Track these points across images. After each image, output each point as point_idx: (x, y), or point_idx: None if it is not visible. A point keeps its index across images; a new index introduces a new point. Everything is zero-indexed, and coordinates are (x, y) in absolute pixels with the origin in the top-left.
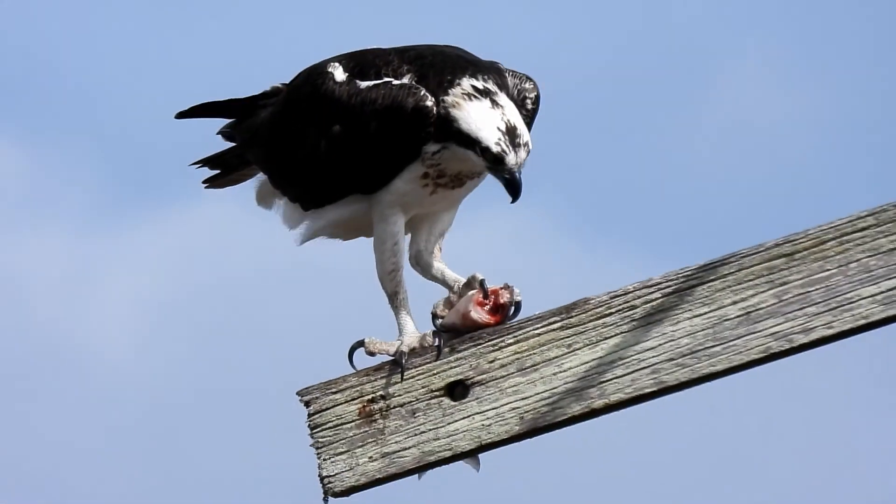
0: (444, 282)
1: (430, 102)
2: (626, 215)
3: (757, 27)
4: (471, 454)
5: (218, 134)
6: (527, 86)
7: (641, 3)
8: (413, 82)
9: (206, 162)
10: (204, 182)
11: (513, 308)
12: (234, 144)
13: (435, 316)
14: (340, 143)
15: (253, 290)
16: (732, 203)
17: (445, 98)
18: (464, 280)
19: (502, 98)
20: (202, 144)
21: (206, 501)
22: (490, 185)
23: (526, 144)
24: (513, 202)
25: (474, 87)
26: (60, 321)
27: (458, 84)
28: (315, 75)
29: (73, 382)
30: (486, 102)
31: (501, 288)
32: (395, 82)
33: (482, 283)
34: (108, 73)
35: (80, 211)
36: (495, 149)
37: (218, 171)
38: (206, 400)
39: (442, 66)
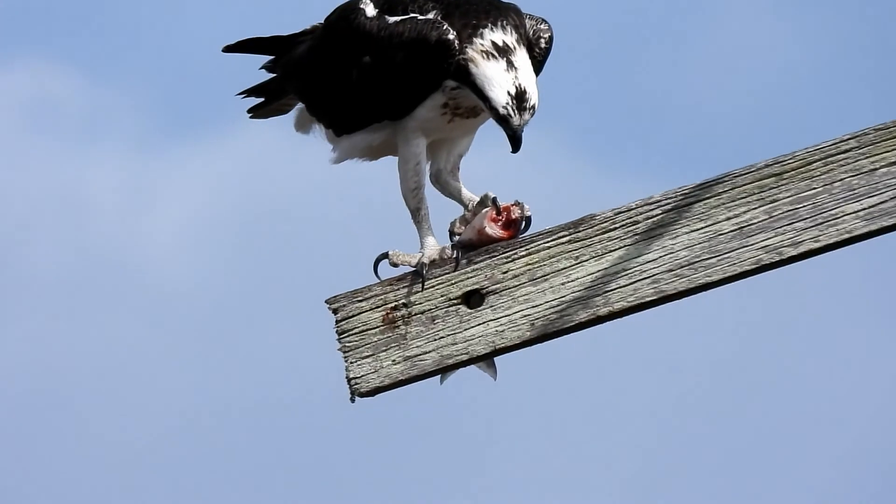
0: (460, 200)
1: (451, 36)
2: (630, 140)
3: None
4: (485, 358)
5: (261, 69)
6: (542, 27)
7: None
8: (439, 18)
9: (251, 92)
10: (249, 111)
11: (524, 223)
12: (275, 76)
13: (452, 233)
14: (369, 73)
15: (291, 210)
16: (726, 127)
17: (466, 49)
18: (477, 198)
19: (519, 56)
20: (248, 76)
21: (247, 399)
22: None
23: (532, 108)
24: (513, 153)
25: (493, 44)
26: (116, 233)
27: (480, 35)
28: (348, 10)
29: (128, 290)
30: (502, 63)
31: (513, 205)
32: (420, 17)
33: (494, 200)
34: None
35: (135, 133)
36: (502, 111)
37: (262, 100)
38: (248, 309)
39: (466, 8)
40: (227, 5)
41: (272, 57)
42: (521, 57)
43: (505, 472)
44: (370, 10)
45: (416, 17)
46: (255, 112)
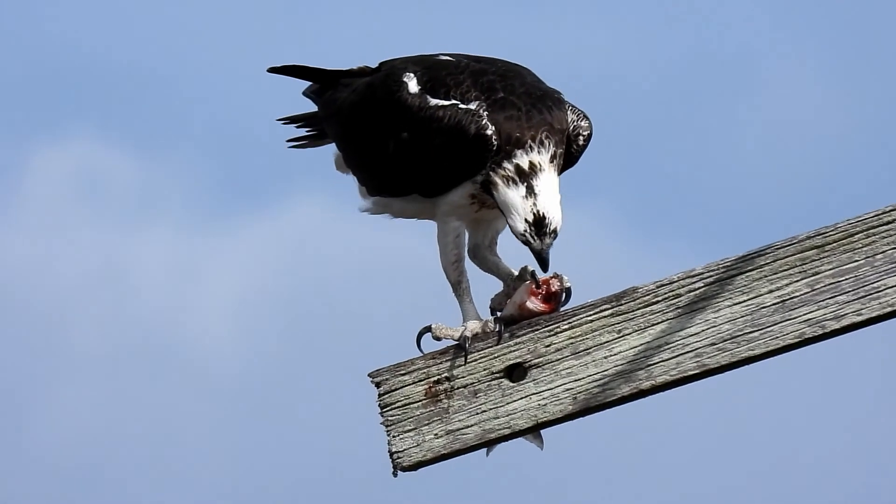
0: (498, 274)
1: (490, 131)
2: (672, 211)
3: (797, 31)
4: (528, 432)
5: (303, 94)
6: (582, 123)
7: (688, 7)
8: (481, 111)
9: (293, 120)
10: (288, 141)
11: (564, 295)
12: (315, 108)
13: (493, 310)
14: (406, 150)
15: (336, 285)
16: (769, 198)
17: (494, 167)
18: (516, 273)
19: (542, 179)
20: (292, 105)
21: (292, 476)
22: None
23: (553, 232)
24: (543, 272)
25: (518, 168)
26: (163, 310)
27: (510, 158)
28: (391, 80)
29: (174, 367)
30: (522, 189)
31: (552, 277)
32: (462, 106)
33: (533, 273)
34: (210, 82)
35: (183, 211)
36: (520, 238)
37: (302, 138)
38: (294, 385)
39: (509, 104)
40: (274, 83)
41: (316, 85)
42: (546, 179)
43: None
44: (413, 86)
45: (457, 104)
46: (295, 142)
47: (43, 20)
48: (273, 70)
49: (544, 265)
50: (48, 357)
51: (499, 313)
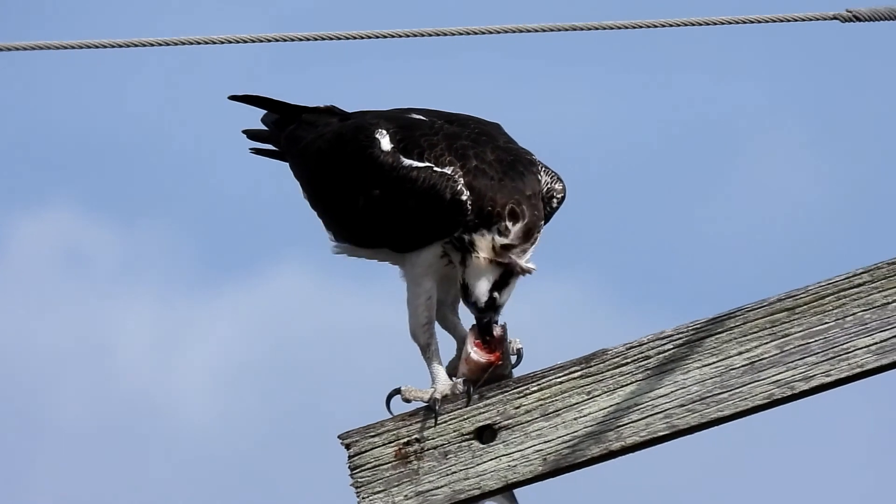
0: (454, 335)
1: (465, 196)
2: (642, 274)
3: (776, 111)
4: (499, 493)
5: (261, 121)
6: (556, 186)
7: (673, 85)
8: (455, 175)
9: (255, 136)
10: (251, 149)
11: (514, 357)
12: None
13: (449, 376)
14: (377, 207)
15: (313, 351)
16: (739, 262)
17: (472, 257)
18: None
19: (514, 255)
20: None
21: None
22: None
23: (500, 307)
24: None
25: (503, 247)
26: (144, 379)
27: (493, 226)
28: (363, 135)
29: (156, 434)
30: (496, 273)
31: (498, 325)
32: (436, 169)
33: (473, 326)
34: (190, 154)
35: (164, 280)
36: (472, 309)
37: (268, 147)
38: (273, 450)
39: (486, 180)
40: (257, 159)
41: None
42: (516, 261)
43: None
44: (385, 143)
45: (431, 167)
46: (257, 152)
47: (23, 94)
48: (234, 98)
49: (485, 331)
50: (31, 429)
51: (453, 378)
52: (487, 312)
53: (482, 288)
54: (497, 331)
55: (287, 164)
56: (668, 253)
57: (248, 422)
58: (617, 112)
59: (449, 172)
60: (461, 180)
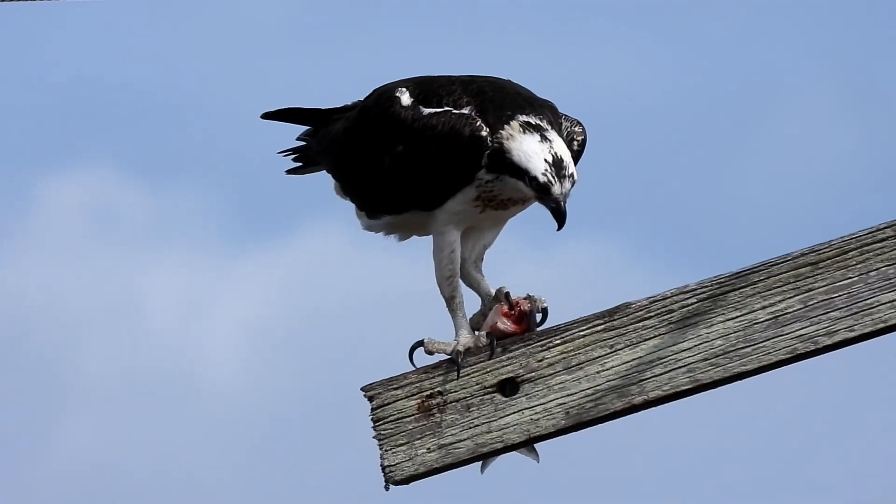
0: (478, 292)
1: (484, 133)
2: (667, 228)
3: (810, 69)
4: (521, 446)
5: (298, 139)
6: (576, 129)
7: (704, 42)
8: (473, 114)
9: (292, 151)
10: (287, 171)
11: (539, 315)
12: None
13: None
14: (402, 163)
15: (347, 313)
16: (764, 216)
17: (501, 132)
18: (493, 293)
19: (552, 133)
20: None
21: (297, 496)
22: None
23: (571, 176)
24: (559, 230)
25: (528, 123)
26: (173, 339)
27: (514, 118)
28: (384, 97)
29: (187, 399)
30: (536, 136)
31: (523, 298)
32: (455, 111)
33: (507, 295)
34: (222, 113)
35: (194, 241)
36: (542, 179)
37: (299, 165)
38: (302, 412)
39: (501, 102)
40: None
41: (309, 128)
42: (555, 134)
43: None
44: (405, 99)
45: (450, 110)
46: (294, 171)
47: (57, 52)
48: (266, 116)
49: (561, 218)
50: (61, 388)
51: (476, 332)
52: (561, 182)
53: (535, 159)
54: (525, 305)
55: (323, 170)
56: (684, 206)
57: (278, 382)
58: (651, 69)
59: (466, 112)
60: (479, 118)
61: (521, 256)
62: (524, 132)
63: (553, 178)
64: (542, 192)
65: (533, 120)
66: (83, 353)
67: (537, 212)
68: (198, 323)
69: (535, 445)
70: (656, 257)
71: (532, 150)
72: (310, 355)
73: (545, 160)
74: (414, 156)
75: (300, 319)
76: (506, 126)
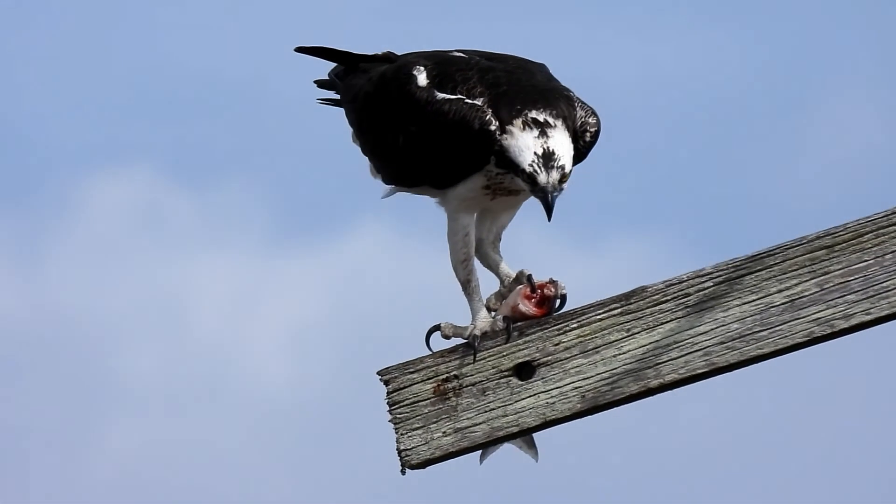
0: (497, 273)
1: (493, 127)
2: (683, 212)
3: (856, 65)
4: (537, 430)
5: (328, 75)
6: (590, 120)
7: (749, 37)
8: (485, 107)
9: (331, 101)
10: (318, 99)
11: (558, 301)
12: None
13: (488, 309)
14: (414, 143)
15: (393, 314)
16: (781, 199)
17: (508, 127)
18: (513, 275)
19: (554, 129)
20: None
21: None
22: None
23: (560, 167)
24: (549, 221)
25: (533, 119)
26: (218, 339)
27: (521, 115)
28: (401, 73)
29: (232, 402)
30: (535, 132)
31: (547, 282)
32: (467, 101)
33: (529, 277)
34: (270, 114)
35: (243, 243)
36: (528, 170)
37: (335, 97)
38: (347, 411)
39: (514, 95)
40: (332, 115)
41: (341, 67)
42: (559, 133)
43: None
44: (422, 79)
45: (462, 98)
46: (325, 102)
47: (107, 53)
48: (300, 49)
49: (548, 210)
50: (106, 389)
51: (493, 314)
52: (548, 172)
53: (525, 153)
54: (549, 290)
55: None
56: (702, 190)
57: (324, 385)
58: (695, 58)
59: (479, 104)
60: (489, 110)
61: (565, 254)
62: (524, 129)
63: (539, 168)
64: (530, 183)
65: (541, 116)
66: (128, 354)
67: (582, 208)
68: (243, 325)
69: (544, 433)
70: (671, 237)
71: (525, 144)
72: (356, 358)
73: (535, 153)
74: (426, 138)
75: (347, 322)
76: (514, 121)
